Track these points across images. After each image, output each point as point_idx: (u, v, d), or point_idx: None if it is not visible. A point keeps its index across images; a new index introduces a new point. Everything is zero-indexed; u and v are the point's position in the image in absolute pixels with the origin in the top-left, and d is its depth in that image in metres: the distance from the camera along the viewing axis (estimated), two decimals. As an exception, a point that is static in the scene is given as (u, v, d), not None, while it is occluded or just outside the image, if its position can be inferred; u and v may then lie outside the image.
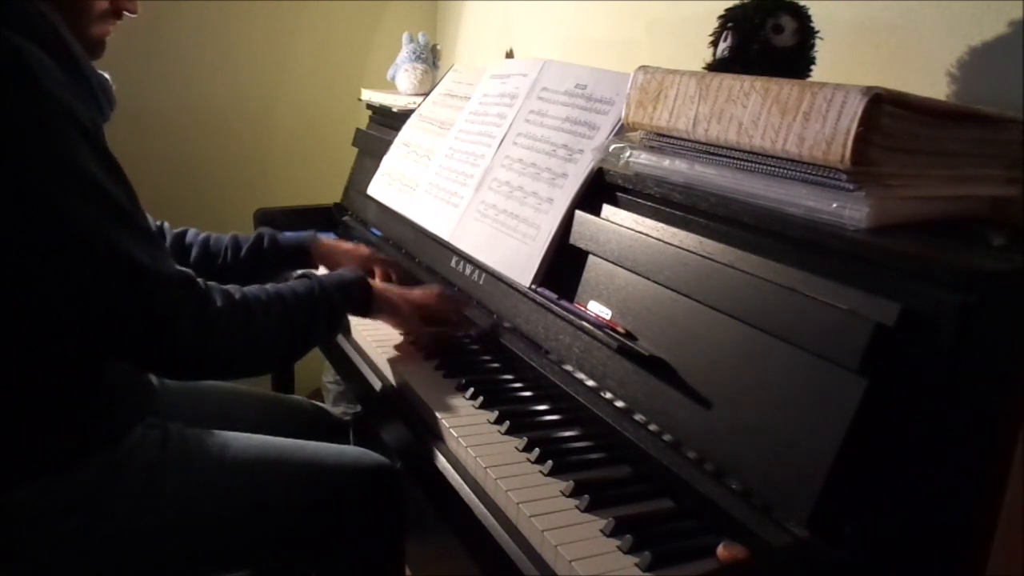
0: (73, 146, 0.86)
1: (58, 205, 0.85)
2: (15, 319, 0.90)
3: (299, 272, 1.15)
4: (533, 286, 1.15)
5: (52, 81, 0.86)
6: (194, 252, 1.38)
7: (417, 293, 1.25)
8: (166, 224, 1.40)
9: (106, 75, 1.01)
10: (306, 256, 1.47)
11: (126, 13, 1.03)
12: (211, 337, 0.96)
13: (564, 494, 0.84)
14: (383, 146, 1.81)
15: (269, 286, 1.06)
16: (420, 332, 1.22)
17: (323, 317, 1.10)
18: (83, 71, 0.95)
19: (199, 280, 0.97)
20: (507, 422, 0.98)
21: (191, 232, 1.41)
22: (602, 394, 0.97)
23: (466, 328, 1.26)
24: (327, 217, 2.02)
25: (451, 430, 0.96)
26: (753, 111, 0.84)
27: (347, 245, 1.53)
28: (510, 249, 1.22)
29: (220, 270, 1.37)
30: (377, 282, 1.22)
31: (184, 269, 0.96)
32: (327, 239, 1.53)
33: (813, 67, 1.04)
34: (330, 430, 1.37)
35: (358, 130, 2.08)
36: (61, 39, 0.92)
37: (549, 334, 1.09)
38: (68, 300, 0.88)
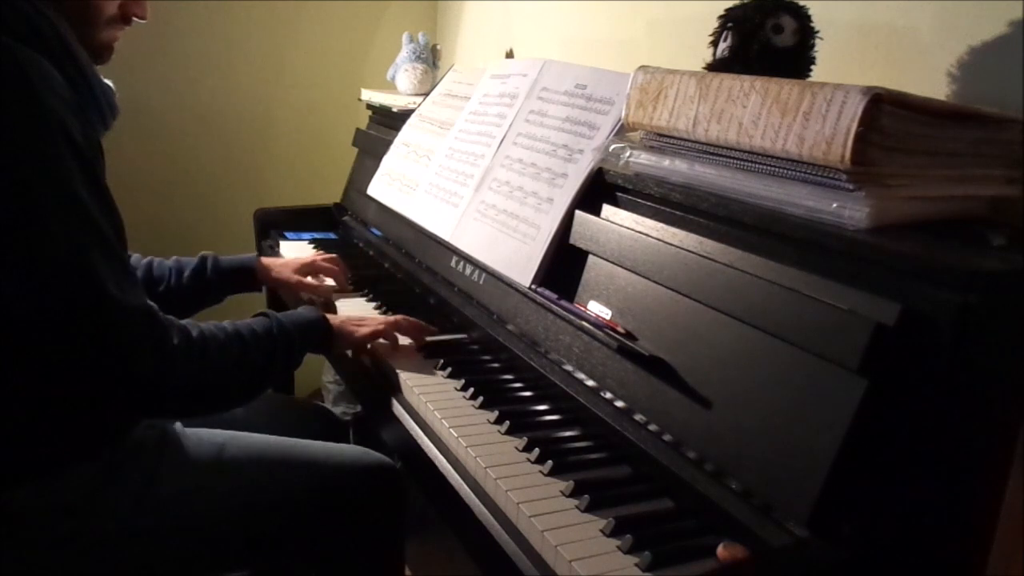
0: (64, 166, 0.86)
1: (40, 222, 0.84)
2: (10, 324, 0.89)
3: (258, 311, 1.12)
4: (533, 286, 1.15)
5: (53, 96, 0.86)
6: (137, 276, 1.35)
7: (378, 324, 1.21)
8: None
9: (110, 83, 1.01)
10: (250, 276, 1.45)
11: (135, 19, 1.03)
12: (165, 373, 0.92)
13: (564, 494, 0.84)
14: (383, 146, 1.81)
15: (227, 323, 1.03)
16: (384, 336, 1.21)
17: (281, 357, 1.07)
18: (88, 80, 0.94)
19: (160, 315, 0.94)
20: (507, 422, 0.98)
21: (134, 257, 1.36)
22: (602, 394, 0.97)
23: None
24: (327, 217, 2.02)
25: (451, 430, 0.96)
26: (753, 111, 0.84)
27: (290, 257, 1.52)
28: (510, 249, 1.22)
29: (164, 294, 1.34)
30: (336, 317, 1.19)
31: (149, 303, 0.93)
32: (268, 258, 1.52)
33: (813, 67, 1.04)
34: (330, 430, 1.37)
35: (358, 130, 2.08)
36: (67, 47, 0.91)
37: (549, 334, 1.09)
38: (36, 317, 0.87)
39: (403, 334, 1.23)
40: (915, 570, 0.70)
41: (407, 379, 1.11)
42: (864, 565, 0.67)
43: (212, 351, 0.98)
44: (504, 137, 1.38)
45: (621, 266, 1.01)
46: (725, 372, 0.82)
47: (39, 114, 0.84)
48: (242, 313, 1.12)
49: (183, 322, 0.98)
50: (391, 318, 1.24)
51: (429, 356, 1.19)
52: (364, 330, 1.20)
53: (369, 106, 2.13)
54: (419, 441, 1.00)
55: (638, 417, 0.91)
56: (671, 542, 0.75)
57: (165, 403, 0.97)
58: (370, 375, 1.21)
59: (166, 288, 1.35)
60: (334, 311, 1.37)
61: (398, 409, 1.08)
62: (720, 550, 0.71)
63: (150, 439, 1.04)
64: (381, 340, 1.21)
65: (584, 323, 1.01)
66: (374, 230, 1.78)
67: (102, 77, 0.99)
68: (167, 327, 0.94)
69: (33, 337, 0.88)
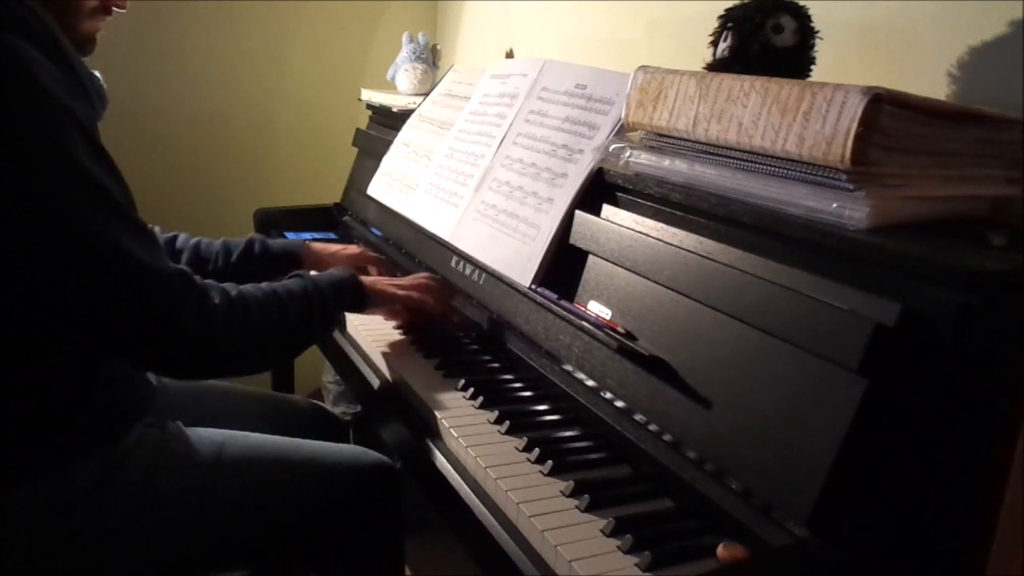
0: (71, 143, 0.86)
1: (57, 201, 0.85)
2: (14, 317, 0.90)
3: (292, 272, 1.14)
4: (533, 286, 1.15)
5: (49, 79, 0.86)
6: (185, 256, 1.36)
7: (407, 280, 1.27)
8: (156, 228, 1.38)
9: (97, 73, 1.01)
10: (297, 262, 1.45)
11: (115, 8, 1.03)
12: (210, 334, 0.95)
13: (564, 494, 0.84)
14: (383, 146, 1.81)
15: (264, 284, 1.05)
16: (416, 304, 1.25)
17: (318, 315, 1.09)
18: (76, 71, 0.94)
19: (196, 277, 0.96)
20: (507, 422, 0.98)
21: (182, 237, 1.39)
22: (602, 394, 0.97)
23: (451, 316, 1.29)
24: (327, 217, 2.02)
25: (451, 430, 0.96)
26: (753, 111, 0.84)
27: (336, 247, 1.52)
28: (510, 249, 1.22)
29: (211, 275, 1.35)
30: (367, 277, 1.23)
31: (180, 266, 0.95)
32: (317, 244, 1.52)
33: (813, 67, 1.04)
34: (330, 430, 1.37)
35: (358, 130, 2.08)
36: (53, 37, 0.92)
37: (549, 334, 1.09)
38: (68, 297, 0.88)
39: (431, 297, 1.27)
40: (915, 570, 0.70)
41: (407, 379, 1.11)
42: (864, 565, 0.67)
43: (253, 309, 1.00)
44: (504, 137, 1.38)
45: (621, 266, 1.01)
46: (725, 372, 0.82)
47: (39, 96, 0.85)
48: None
49: (223, 284, 1.00)
50: (421, 277, 1.28)
51: (429, 356, 1.19)
52: (400, 293, 1.23)
53: (369, 106, 2.13)
54: (419, 441, 1.00)
55: (638, 417, 0.91)
56: (671, 542, 0.75)
57: (212, 362, 0.99)
58: (370, 376, 1.21)
59: (214, 268, 1.37)
60: None
61: (397, 409, 1.08)
62: (720, 550, 0.71)
63: (150, 437, 1.04)
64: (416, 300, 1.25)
65: (584, 323, 1.01)
66: (374, 230, 1.78)
67: (89, 68, 0.99)
68: (205, 288, 0.96)
69: (67, 318, 0.90)
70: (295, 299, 1.06)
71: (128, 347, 0.93)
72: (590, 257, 1.08)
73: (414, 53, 2.03)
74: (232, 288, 1.00)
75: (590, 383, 1.00)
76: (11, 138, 0.83)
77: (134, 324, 0.90)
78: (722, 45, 1.03)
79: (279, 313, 1.03)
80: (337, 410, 2.19)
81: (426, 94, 1.86)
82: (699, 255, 0.90)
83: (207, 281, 0.98)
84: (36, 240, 0.85)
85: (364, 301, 1.19)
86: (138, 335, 0.91)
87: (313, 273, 1.15)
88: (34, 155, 0.84)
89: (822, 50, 1.04)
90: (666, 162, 0.99)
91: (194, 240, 1.39)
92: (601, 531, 0.78)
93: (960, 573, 0.74)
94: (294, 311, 1.05)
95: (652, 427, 0.89)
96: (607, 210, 1.10)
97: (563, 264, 1.13)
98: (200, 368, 1.00)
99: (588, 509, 0.81)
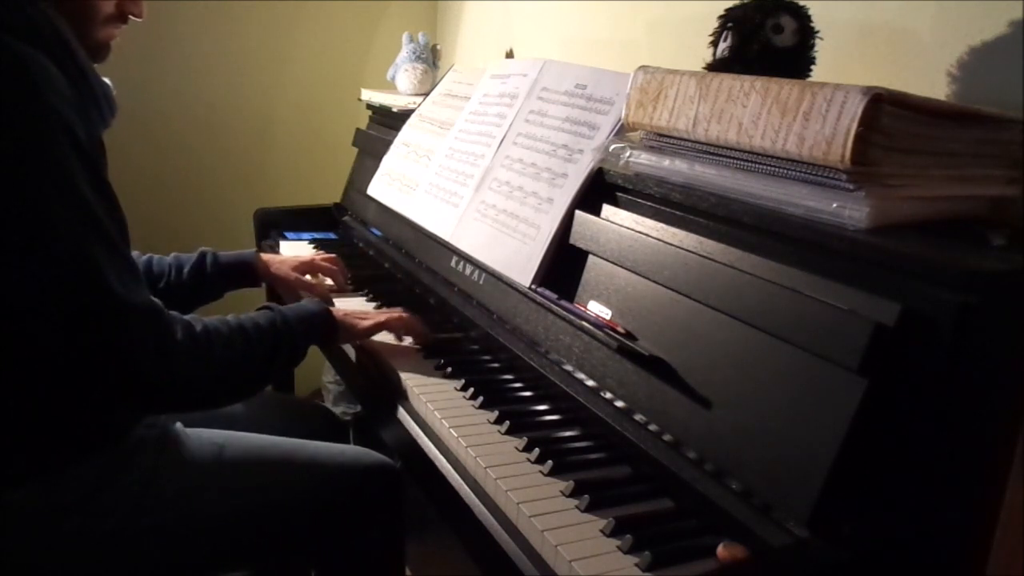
0: (67, 162, 0.86)
1: (43, 216, 0.84)
2: (13, 319, 0.90)
3: (262, 305, 1.13)
4: (533, 286, 1.15)
5: (54, 93, 0.86)
6: None
7: (380, 317, 1.23)
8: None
9: (108, 81, 1.01)
10: (249, 271, 1.45)
11: (132, 17, 1.03)
12: (168, 371, 0.93)
13: (564, 494, 0.84)
14: (383, 146, 1.81)
15: (230, 317, 1.03)
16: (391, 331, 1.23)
17: (285, 349, 1.07)
18: (87, 78, 0.94)
19: (165, 311, 0.94)
20: (507, 422, 0.98)
21: (134, 254, 1.37)
22: (602, 394, 0.97)
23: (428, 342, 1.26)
24: (327, 217, 2.02)
25: (451, 430, 0.96)
26: (753, 111, 0.84)
27: (287, 256, 1.52)
28: (510, 249, 1.22)
29: (164, 291, 1.34)
30: (338, 310, 1.20)
31: (153, 300, 0.93)
32: (267, 254, 1.51)
33: (813, 67, 1.04)
34: (330, 430, 1.37)
35: (358, 130, 2.08)
36: (66, 45, 0.91)
37: (549, 334, 1.09)
38: (39, 311, 0.87)
39: (405, 331, 1.24)
40: (915, 570, 0.70)
41: (407, 379, 1.11)
42: (864, 565, 0.67)
43: (217, 346, 0.98)
44: (504, 137, 1.38)
45: (621, 266, 1.01)
46: (725, 372, 0.82)
47: (41, 111, 0.85)
48: (242, 307, 1.12)
49: (187, 317, 0.98)
50: (393, 312, 1.24)
51: (429, 356, 1.19)
52: (367, 323, 1.20)
53: (369, 106, 2.13)
54: (419, 441, 1.00)
55: (638, 417, 0.91)
56: (671, 542, 0.75)
57: (170, 400, 0.97)
58: (370, 375, 1.21)
59: (166, 284, 1.35)
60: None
61: (398, 409, 1.08)
62: (720, 550, 0.71)
63: (150, 439, 1.04)
64: (385, 332, 1.22)
65: (584, 323, 1.01)
66: (374, 230, 1.78)
67: (100, 76, 0.99)
68: (171, 324, 0.94)
69: (38, 335, 0.89)
70: (262, 334, 1.04)
71: (88, 376, 0.90)
72: (590, 257, 1.08)
73: (414, 53, 2.03)
74: (197, 323, 0.98)
75: (590, 383, 1.00)
76: (6, 149, 0.83)
77: (94, 353, 0.88)
78: (722, 45, 1.03)
79: (244, 349, 1.01)
80: (337, 410, 2.19)
81: (426, 94, 1.86)
82: (699, 255, 0.90)
83: (173, 314, 0.96)
84: (18, 251, 0.84)
85: (335, 334, 1.17)
86: (97, 364, 0.89)
87: (285, 306, 1.13)
88: (27, 168, 0.84)
89: (822, 50, 1.04)
90: (666, 162, 0.99)
91: (145, 257, 1.36)
92: (601, 531, 0.78)
93: (960, 573, 0.74)
94: (259, 347, 1.03)
95: (652, 427, 0.89)
96: (607, 210, 1.10)
97: (563, 264, 1.13)
98: (157, 404, 0.98)
99: (588, 509, 0.81)
